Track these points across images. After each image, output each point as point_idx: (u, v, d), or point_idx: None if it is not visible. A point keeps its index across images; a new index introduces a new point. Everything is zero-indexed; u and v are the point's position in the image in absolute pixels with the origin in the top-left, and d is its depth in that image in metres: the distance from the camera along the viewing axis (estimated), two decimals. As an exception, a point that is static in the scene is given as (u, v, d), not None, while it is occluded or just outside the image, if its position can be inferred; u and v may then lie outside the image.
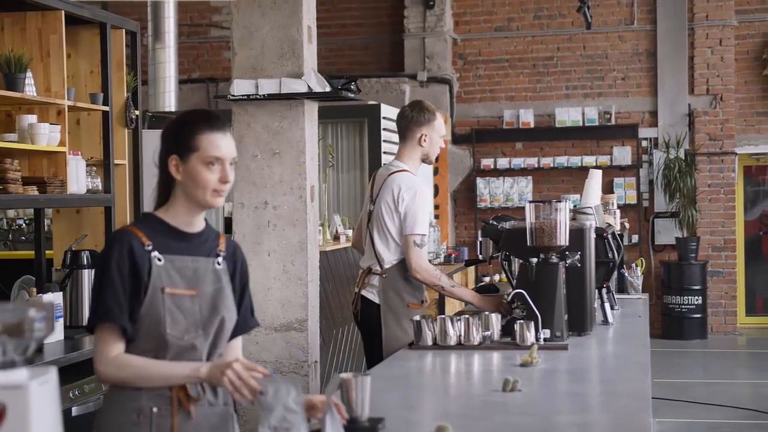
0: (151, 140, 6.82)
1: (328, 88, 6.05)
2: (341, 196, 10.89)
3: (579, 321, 4.98)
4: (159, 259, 3.02)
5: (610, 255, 5.54)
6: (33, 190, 5.53)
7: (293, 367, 6.10)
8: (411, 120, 5.43)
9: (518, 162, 13.90)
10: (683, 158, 13.40)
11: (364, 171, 10.70)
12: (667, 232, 13.70)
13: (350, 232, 8.84)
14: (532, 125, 13.95)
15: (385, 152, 10.57)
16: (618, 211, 7.39)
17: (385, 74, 13.98)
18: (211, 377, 2.96)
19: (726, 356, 12.43)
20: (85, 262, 5.74)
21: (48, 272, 6.06)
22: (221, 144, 3.04)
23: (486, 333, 4.64)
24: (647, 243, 13.78)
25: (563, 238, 4.80)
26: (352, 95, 6.30)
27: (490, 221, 5.44)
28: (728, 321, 13.73)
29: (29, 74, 5.61)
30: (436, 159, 5.74)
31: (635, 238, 13.52)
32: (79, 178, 5.93)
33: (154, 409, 3.00)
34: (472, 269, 12.53)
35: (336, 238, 9.18)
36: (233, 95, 6.10)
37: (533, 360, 4.19)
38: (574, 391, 3.92)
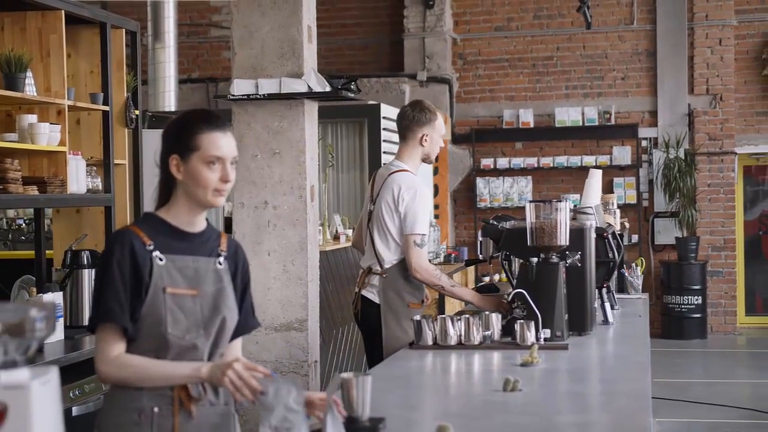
0: (151, 140, 6.83)
1: (328, 88, 6.05)
2: (341, 196, 10.89)
3: (579, 321, 4.98)
4: (160, 259, 3.02)
5: (610, 255, 5.54)
6: (33, 190, 5.53)
7: (293, 367, 6.10)
8: (412, 120, 5.43)
9: (518, 162, 13.91)
10: (683, 158, 13.40)
11: (364, 171, 10.69)
12: (666, 232, 13.70)
13: (350, 232, 8.84)
14: (531, 125, 13.95)
15: (385, 152, 10.57)
16: (618, 211, 7.40)
17: (385, 74, 13.98)
18: (212, 377, 2.96)
19: (726, 356, 12.43)
20: (86, 261, 5.74)
21: (48, 272, 6.06)
22: (222, 143, 3.05)
23: (486, 333, 4.64)
24: (647, 243, 13.78)
25: (563, 238, 4.80)
26: (352, 95, 6.30)
27: (491, 221, 5.44)
28: (728, 321, 13.73)
29: (29, 74, 5.61)
30: (436, 159, 5.74)
31: (635, 238, 13.52)
32: (79, 178, 5.93)
33: (155, 409, 3.00)
34: (471, 269, 12.53)
35: (336, 237, 9.18)
36: (233, 95, 6.09)
37: (534, 360, 4.19)
38: (575, 391, 3.92)
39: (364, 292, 5.44)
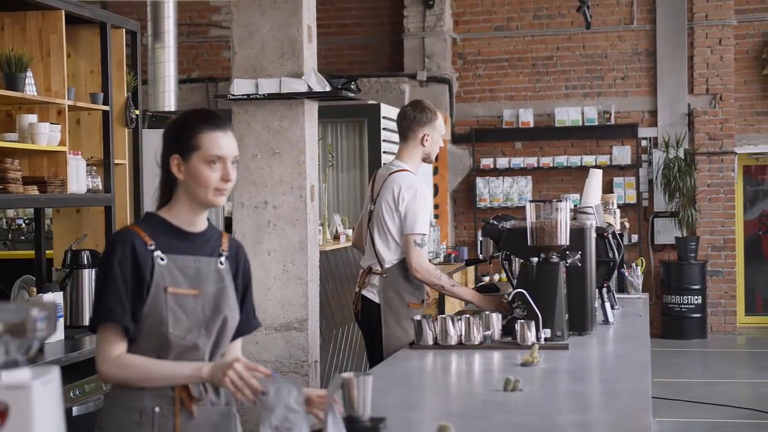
0: (151, 140, 6.84)
1: (328, 88, 6.05)
2: (341, 196, 10.89)
3: (579, 320, 4.98)
4: (162, 259, 3.02)
5: (610, 254, 5.54)
6: (33, 190, 5.53)
7: (293, 366, 6.10)
8: (413, 120, 5.43)
9: (518, 162, 13.91)
10: (683, 158, 13.40)
11: (363, 171, 10.69)
12: (666, 232, 13.71)
13: (350, 232, 8.84)
14: (531, 125, 13.95)
15: (384, 152, 10.57)
16: (618, 211, 7.40)
17: (385, 74, 13.98)
18: (213, 377, 2.96)
19: (725, 356, 12.43)
20: (86, 261, 5.74)
21: (48, 272, 6.06)
22: (222, 143, 3.05)
23: (487, 333, 4.64)
24: (647, 243, 13.78)
25: (564, 238, 4.80)
26: (352, 95, 6.30)
27: (491, 221, 5.44)
28: (728, 320, 13.73)
29: (29, 74, 5.61)
30: (436, 158, 5.74)
31: (635, 238, 13.52)
32: (79, 178, 5.93)
33: (157, 409, 3.00)
34: (471, 269, 12.53)
35: (336, 237, 9.18)
36: (233, 95, 6.09)
37: (534, 360, 4.19)
38: (575, 391, 3.92)
39: (364, 292, 5.44)
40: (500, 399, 3.56)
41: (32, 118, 5.66)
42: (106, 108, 6.19)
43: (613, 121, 13.80)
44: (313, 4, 6.30)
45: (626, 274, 7.08)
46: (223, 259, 3.14)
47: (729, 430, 8.39)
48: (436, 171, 13.17)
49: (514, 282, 5.10)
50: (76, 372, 4.85)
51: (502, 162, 13.93)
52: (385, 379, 3.93)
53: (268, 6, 6.11)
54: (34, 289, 5.64)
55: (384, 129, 10.68)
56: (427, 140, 5.44)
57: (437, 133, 5.47)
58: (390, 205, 5.33)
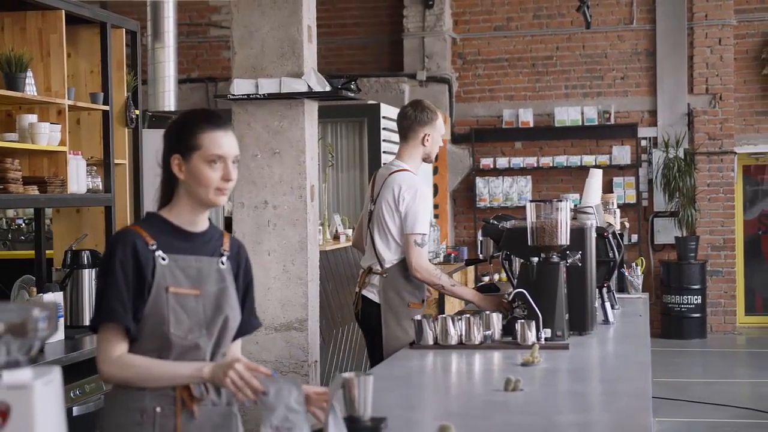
0: (151, 140, 6.84)
1: (328, 88, 6.05)
2: (341, 196, 10.89)
3: (580, 320, 4.98)
4: (163, 259, 3.02)
5: (610, 254, 5.54)
6: (33, 190, 5.53)
7: (293, 366, 6.10)
8: (414, 120, 5.43)
9: (517, 161, 13.91)
10: (682, 158, 13.40)
11: (363, 170, 10.69)
12: (666, 232, 13.71)
13: (350, 232, 8.84)
14: (531, 125, 13.95)
15: (384, 152, 10.57)
16: (618, 211, 7.40)
17: (385, 74, 13.98)
18: (214, 377, 2.96)
19: (725, 355, 12.43)
20: (86, 261, 5.74)
21: (48, 272, 6.05)
22: (223, 142, 3.05)
23: (487, 332, 4.64)
24: (646, 242, 13.78)
25: (564, 238, 4.80)
26: (352, 95, 6.31)
27: (491, 220, 5.44)
28: (727, 320, 13.73)
29: (29, 74, 5.61)
30: (436, 158, 5.75)
31: (634, 238, 13.52)
32: (79, 178, 5.93)
33: (158, 409, 3.00)
34: (471, 269, 12.53)
35: (336, 237, 9.18)
36: (233, 95, 6.09)
37: (534, 359, 4.19)
38: (576, 391, 3.92)
39: (364, 292, 5.44)
40: (501, 399, 3.56)
41: (32, 118, 5.66)
42: (106, 108, 6.19)
43: (612, 121, 13.80)
44: (313, 4, 6.30)
45: (626, 273, 7.09)
46: (224, 258, 3.14)
47: (729, 430, 8.39)
48: (435, 171, 13.17)
49: (515, 282, 5.10)
50: (77, 372, 4.85)
51: (502, 162, 13.93)
52: (386, 378, 3.93)
53: (268, 6, 6.12)
54: (34, 289, 5.64)
55: (384, 129, 10.69)
56: (427, 140, 5.44)
57: (437, 133, 5.48)
58: (390, 204, 5.33)
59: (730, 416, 8.83)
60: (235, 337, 3.19)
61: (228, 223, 9.11)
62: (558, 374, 4.17)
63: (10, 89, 5.43)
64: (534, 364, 4.17)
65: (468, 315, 4.67)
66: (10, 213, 9.61)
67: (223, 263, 3.13)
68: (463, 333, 4.61)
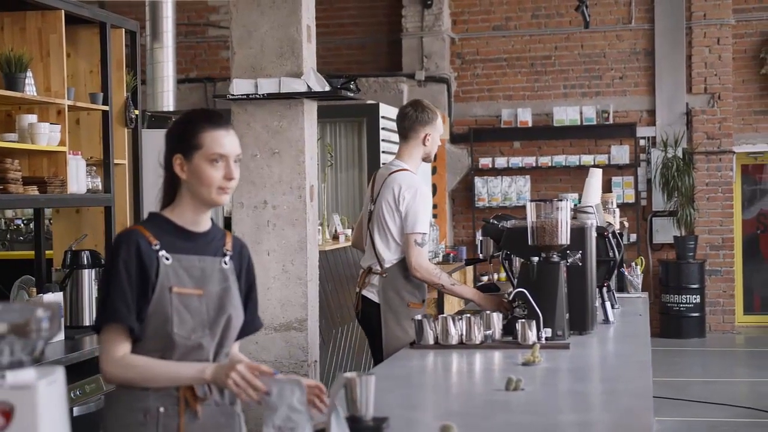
0: (151, 140, 6.84)
1: (327, 88, 6.05)
2: (340, 196, 10.89)
3: (580, 320, 4.98)
4: (167, 258, 3.02)
5: (610, 254, 5.54)
6: (33, 190, 5.53)
7: (293, 366, 6.10)
8: (415, 120, 5.43)
9: (516, 161, 13.90)
10: (681, 157, 13.40)
11: (362, 170, 10.69)
12: (665, 231, 13.71)
13: (349, 232, 8.83)
14: (530, 124, 13.95)
15: (383, 151, 10.57)
16: (617, 210, 7.40)
17: (383, 74, 13.98)
18: (216, 379, 2.96)
19: (724, 355, 12.44)
20: (85, 262, 5.74)
21: (48, 272, 6.05)
22: (225, 141, 3.05)
23: (487, 332, 4.64)
24: (645, 242, 13.78)
25: (564, 237, 4.80)
26: (352, 94, 6.30)
27: (491, 220, 5.44)
28: (726, 319, 13.74)
29: (29, 74, 5.61)
30: (434, 158, 5.75)
31: (633, 237, 13.52)
32: (79, 178, 5.92)
33: (161, 409, 3.00)
34: (470, 268, 12.53)
35: (335, 237, 9.17)
36: (233, 95, 6.09)
37: (535, 359, 4.19)
38: (577, 390, 3.92)
39: (364, 292, 5.44)
40: (502, 398, 3.56)
41: (32, 118, 5.65)
42: (106, 108, 6.19)
43: (611, 121, 13.80)
44: (312, 4, 6.29)
45: (626, 273, 7.09)
46: (227, 258, 3.14)
47: (728, 429, 8.40)
48: (434, 171, 13.17)
49: (515, 282, 5.10)
50: (77, 372, 4.85)
51: (501, 161, 13.93)
52: (386, 378, 3.93)
53: (267, 6, 6.11)
54: (34, 290, 5.64)
55: (383, 129, 10.68)
56: (428, 140, 5.44)
57: (437, 132, 5.48)
58: (390, 204, 5.33)
59: (729, 415, 8.83)
60: (238, 337, 3.19)
61: (228, 223, 9.11)
62: (559, 374, 4.17)
63: (9, 89, 5.42)
64: (535, 363, 4.18)
65: (468, 315, 4.67)
66: (9, 213, 9.60)
67: (225, 263, 3.14)
68: (464, 333, 4.61)
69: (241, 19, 6.16)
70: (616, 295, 6.28)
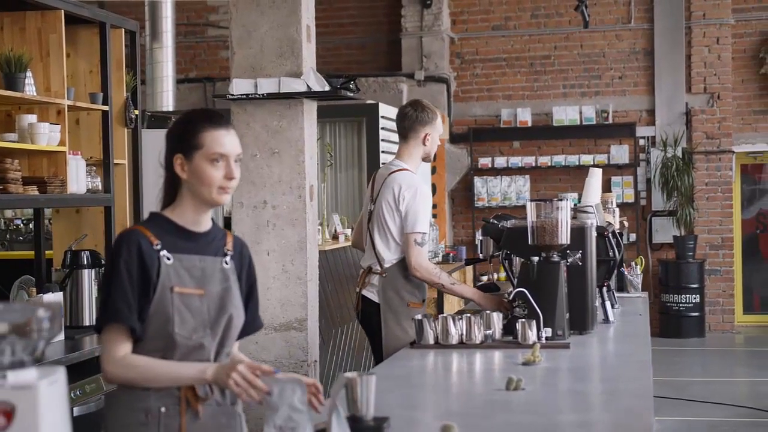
0: (151, 140, 6.84)
1: (327, 88, 6.05)
2: (340, 196, 10.88)
3: (580, 319, 4.98)
4: (168, 258, 3.02)
5: (611, 253, 5.54)
6: (33, 190, 5.53)
7: (293, 366, 6.10)
8: (415, 120, 5.42)
9: (516, 161, 13.90)
10: (681, 157, 13.40)
11: (362, 170, 10.69)
12: (664, 231, 13.71)
13: (349, 232, 8.83)
14: (529, 124, 13.95)
15: (383, 151, 10.57)
16: (617, 210, 7.40)
17: (383, 73, 13.98)
18: (217, 379, 2.96)
19: (724, 354, 12.44)
20: (85, 262, 5.73)
21: (48, 272, 6.05)
22: (225, 141, 3.06)
23: (488, 332, 4.64)
24: (645, 241, 13.78)
25: (564, 237, 4.80)
26: (352, 94, 6.30)
27: (491, 220, 5.44)
28: (726, 319, 13.74)
29: (29, 74, 5.61)
30: (434, 158, 5.75)
31: (633, 237, 13.52)
32: (79, 178, 5.92)
33: (162, 409, 3.00)
34: (470, 268, 12.53)
35: (335, 237, 9.17)
36: (232, 94, 6.09)
37: (535, 359, 4.19)
38: (577, 390, 3.92)
39: (364, 292, 5.44)
40: (502, 398, 3.56)
41: (32, 118, 5.65)
42: (106, 108, 6.19)
43: (610, 120, 13.80)
44: (311, 4, 6.29)
45: (626, 273, 7.09)
46: (228, 258, 3.15)
47: (728, 429, 8.40)
48: (434, 171, 13.17)
49: (515, 281, 5.10)
50: (77, 372, 4.85)
51: (500, 161, 13.93)
52: (387, 378, 3.93)
53: (266, 6, 6.11)
54: (34, 290, 5.63)
55: (382, 129, 10.68)
56: (428, 140, 5.44)
57: (436, 132, 5.49)
58: (390, 204, 5.33)
59: (729, 415, 8.83)
60: (239, 337, 3.19)
61: (228, 223, 9.11)
62: (559, 373, 4.17)
63: (9, 89, 5.42)
64: (535, 363, 4.18)
65: (469, 314, 4.67)
66: (9, 213, 9.60)
67: (226, 263, 3.14)
68: (464, 332, 4.61)
69: (241, 19, 6.15)
70: (616, 294, 6.28)
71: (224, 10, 14.24)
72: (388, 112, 10.73)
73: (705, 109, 13.67)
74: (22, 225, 9.66)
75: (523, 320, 4.61)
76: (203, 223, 3.12)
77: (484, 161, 13.98)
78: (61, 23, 5.81)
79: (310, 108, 6.23)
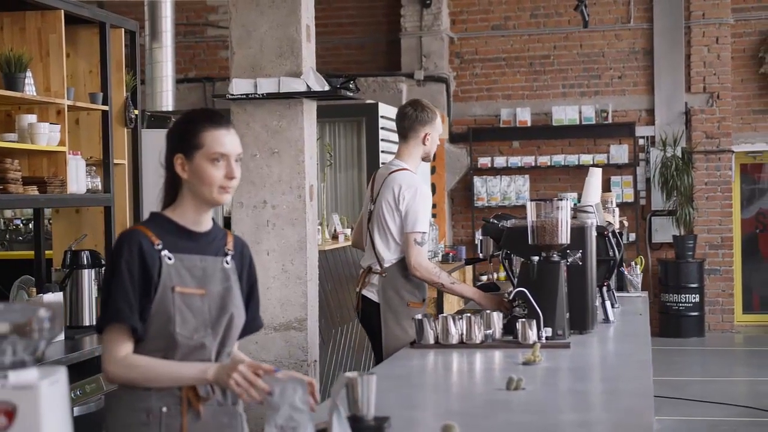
0: (150, 140, 6.83)
1: (327, 87, 6.05)
2: (339, 196, 10.88)
3: (580, 319, 4.98)
4: (169, 258, 3.02)
5: (611, 253, 5.54)
6: (33, 190, 5.53)
7: (293, 366, 6.10)
8: (415, 120, 5.42)
9: (515, 161, 13.90)
10: (680, 156, 13.40)
11: (362, 170, 10.69)
12: (664, 230, 13.71)
13: (349, 231, 8.83)
14: (529, 124, 13.95)
15: (383, 151, 10.57)
16: (617, 209, 7.40)
17: (382, 73, 13.98)
18: (218, 379, 2.96)
19: (723, 354, 12.44)
20: (85, 262, 5.73)
21: (48, 272, 6.05)
22: (225, 140, 3.06)
23: (488, 331, 4.64)
24: (644, 241, 13.78)
25: (565, 237, 4.80)
26: (351, 94, 6.30)
27: (491, 220, 5.44)
28: (725, 319, 13.74)
29: (29, 74, 5.61)
30: (433, 157, 5.75)
31: (632, 237, 13.52)
32: (78, 178, 5.92)
33: (164, 409, 3.00)
34: (469, 268, 12.53)
35: (335, 237, 9.17)
36: (232, 94, 6.09)
37: (536, 358, 4.19)
38: (578, 390, 3.92)
39: (364, 292, 5.44)
40: (503, 398, 3.56)
41: (32, 118, 5.65)
42: (106, 108, 6.19)
43: (610, 120, 13.80)
44: (311, 4, 6.29)
45: (625, 272, 7.09)
46: (228, 258, 3.15)
47: (727, 428, 8.40)
48: (433, 170, 13.17)
49: (515, 281, 5.10)
50: (77, 372, 4.85)
51: (500, 161, 13.93)
52: (387, 378, 3.92)
53: (266, 5, 6.11)
54: (34, 290, 5.63)
55: (382, 128, 10.68)
56: (428, 139, 5.44)
57: (436, 132, 5.49)
58: (390, 204, 5.33)
59: (728, 414, 8.83)
60: (240, 337, 3.20)
61: (227, 222, 9.11)
62: (559, 373, 4.17)
63: (9, 89, 5.42)
64: (535, 363, 4.17)
65: (469, 314, 4.67)
66: (8, 213, 9.60)
67: (227, 263, 3.14)
68: (464, 332, 4.61)
69: (241, 18, 6.15)
70: (616, 294, 6.28)
71: (224, 10, 14.24)
72: (387, 111, 10.73)
73: (704, 108, 13.67)
74: (21, 225, 9.66)
75: (524, 320, 4.61)
76: (204, 222, 3.12)
77: (484, 161, 13.98)
78: (61, 23, 5.80)
79: (310, 108, 6.23)
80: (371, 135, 10.67)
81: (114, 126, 6.30)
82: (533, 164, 13.85)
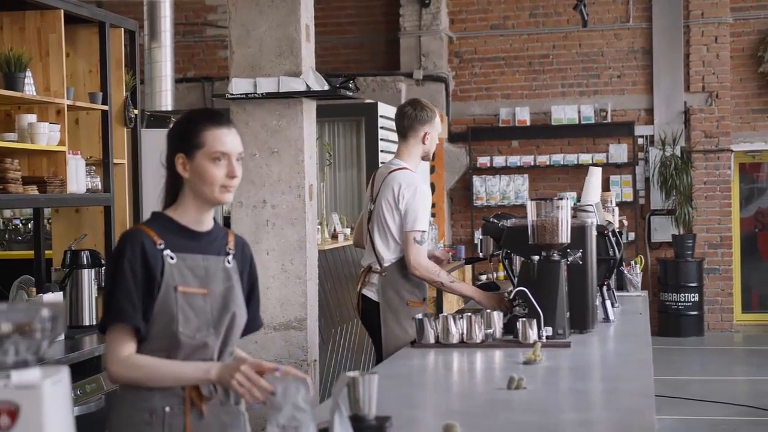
0: (150, 139, 6.83)
1: (326, 87, 6.05)
2: (339, 195, 10.88)
3: (581, 318, 4.97)
4: (171, 258, 3.02)
5: (611, 252, 5.54)
6: (33, 190, 5.52)
7: (292, 366, 6.08)
8: (415, 119, 5.42)
9: (514, 160, 13.91)
10: (679, 156, 13.41)
11: (361, 169, 10.69)
12: (663, 230, 13.71)
13: (348, 231, 8.83)
14: (528, 123, 13.95)
15: (382, 150, 10.56)
16: (617, 209, 7.40)
17: (381, 73, 13.98)
18: (221, 379, 2.96)
19: (723, 353, 12.45)
20: (85, 261, 5.73)
21: (47, 272, 6.04)
22: (226, 139, 3.06)
23: (488, 331, 4.64)
24: (643, 240, 13.79)
25: (565, 236, 4.79)
26: (351, 93, 6.30)
27: (491, 219, 5.44)
28: (725, 318, 13.74)
29: (29, 73, 5.61)
30: (433, 157, 5.75)
31: (632, 236, 13.52)
32: (78, 178, 5.92)
33: (167, 409, 3.00)
34: (469, 267, 12.53)
35: (334, 236, 9.17)
36: (231, 94, 6.09)
37: (536, 358, 4.19)
38: (578, 389, 3.92)
39: (364, 291, 5.44)
40: (503, 397, 3.56)
41: (31, 117, 5.65)
42: (105, 108, 6.19)
43: (609, 119, 13.80)
44: (310, 4, 6.29)
45: (625, 272, 7.09)
46: (230, 257, 3.15)
47: (727, 428, 8.40)
48: (432, 170, 13.16)
49: (515, 280, 5.10)
50: (77, 372, 4.83)
51: (499, 160, 13.93)
52: (388, 377, 3.92)
53: (265, 5, 6.11)
54: (34, 290, 5.63)
55: (381, 128, 10.68)
56: (427, 138, 5.44)
57: (435, 131, 5.49)
58: (390, 203, 5.32)
59: (728, 413, 8.84)
60: (242, 335, 3.19)
61: (227, 222, 9.11)
62: (560, 372, 4.17)
63: (9, 89, 5.42)
64: (536, 362, 4.17)
65: (469, 313, 4.67)
66: (7, 213, 9.59)
67: (229, 262, 3.14)
68: (465, 331, 4.60)
69: (240, 18, 6.15)
70: (616, 293, 6.28)
71: (223, 10, 14.23)
72: (387, 111, 10.73)
73: (703, 107, 13.68)
74: (20, 225, 9.65)
75: (524, 319, 4.61)
76: (205, 222, 3.12)
77: (483, 160, 13.98)
78: (61, 23, 5.80)
79: (310, 107, 6.23)
80: (370, 134, 10.67)
81: (114, 126, 6.30)
82: (532, 164, 13.85)
